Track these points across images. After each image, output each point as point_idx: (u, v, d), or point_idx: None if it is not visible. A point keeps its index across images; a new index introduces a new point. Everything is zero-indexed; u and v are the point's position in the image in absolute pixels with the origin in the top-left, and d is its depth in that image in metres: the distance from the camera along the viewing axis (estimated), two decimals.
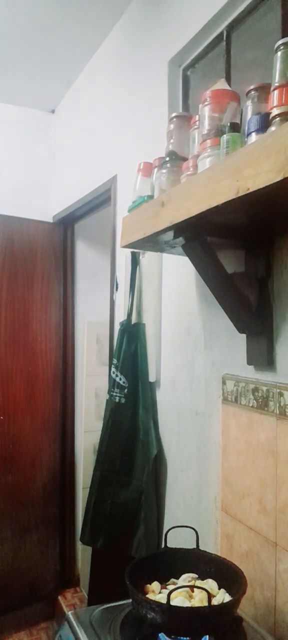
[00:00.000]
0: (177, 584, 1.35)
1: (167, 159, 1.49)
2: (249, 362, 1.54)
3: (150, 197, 1.55)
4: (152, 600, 1.20)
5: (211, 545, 1.68)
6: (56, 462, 3.35)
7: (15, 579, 3.17)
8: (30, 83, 3.18)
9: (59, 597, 3.26)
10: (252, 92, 1.18)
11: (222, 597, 1.28)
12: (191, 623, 1.13)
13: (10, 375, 3.18)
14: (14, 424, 3.18)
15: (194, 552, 1.44)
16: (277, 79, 1.02)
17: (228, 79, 1.77)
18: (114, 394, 2.17)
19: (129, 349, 2.17)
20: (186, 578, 1.38)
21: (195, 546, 1.46)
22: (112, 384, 2.19)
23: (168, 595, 1.13)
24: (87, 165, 2.99)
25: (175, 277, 1.99)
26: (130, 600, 1.27)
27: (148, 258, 2.19)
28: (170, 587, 1.29)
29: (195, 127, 1.36)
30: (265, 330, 1.46)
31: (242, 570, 1.31)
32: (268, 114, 1.04)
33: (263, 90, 1.15)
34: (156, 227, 1.40)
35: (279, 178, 0.92)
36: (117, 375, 2.17)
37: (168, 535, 1.46)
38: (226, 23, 1.79)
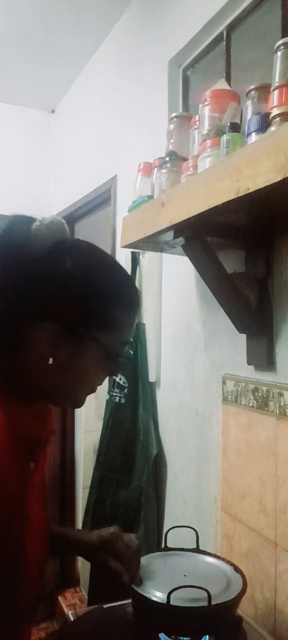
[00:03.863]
0: None
1: (167, 159, 1.49)
2: (249, 362, 1.54)
3: (150, 197, 1.55)
4: (152, 600, 1.20)
5: (211, 545, 1.68)
6: (56, 462, 3.34)
7: None
8: (30, 83, 3.18)
9: (59, 597, 3.26)
10: (252, 92, 1.18)
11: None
12: (191, 623, 1.13)
13: None
14: None
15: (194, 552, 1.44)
16: (277, 79, 1.02)
17: (228, 79, 1.77)
18: (114, 394, 2.17)
19: (129, 349, 2.17)
20: None
21: (195, 546, 1.45)
22: (112, 384, 2.19)
23: (169, 595, 1.13)
24: (87, 165, 2.99)
25: (175, 277, 1.99)
26: (130, 600, 1.27)
27: (148, 258, 2.19)
28: None
29: (195, 127, 1.36)
30: (265, 330, 1.45)
31: (242, 570, 1.30)
32: (268, 114, 1.04)
33: (263, 90, 1.15)
34: (156, 227, 1.40)
35: (279, 178, 0.92)
36: (117, 375, 2.16)
37: (168, 535, 1.46)
38: (226, 23, 1.79)
